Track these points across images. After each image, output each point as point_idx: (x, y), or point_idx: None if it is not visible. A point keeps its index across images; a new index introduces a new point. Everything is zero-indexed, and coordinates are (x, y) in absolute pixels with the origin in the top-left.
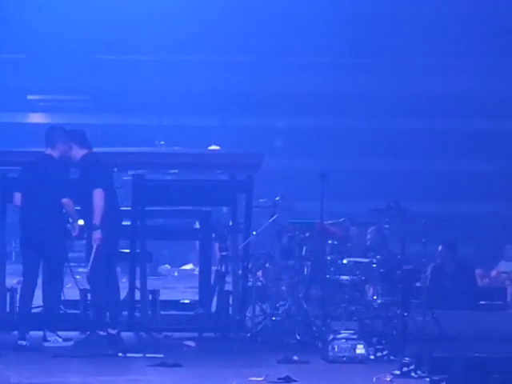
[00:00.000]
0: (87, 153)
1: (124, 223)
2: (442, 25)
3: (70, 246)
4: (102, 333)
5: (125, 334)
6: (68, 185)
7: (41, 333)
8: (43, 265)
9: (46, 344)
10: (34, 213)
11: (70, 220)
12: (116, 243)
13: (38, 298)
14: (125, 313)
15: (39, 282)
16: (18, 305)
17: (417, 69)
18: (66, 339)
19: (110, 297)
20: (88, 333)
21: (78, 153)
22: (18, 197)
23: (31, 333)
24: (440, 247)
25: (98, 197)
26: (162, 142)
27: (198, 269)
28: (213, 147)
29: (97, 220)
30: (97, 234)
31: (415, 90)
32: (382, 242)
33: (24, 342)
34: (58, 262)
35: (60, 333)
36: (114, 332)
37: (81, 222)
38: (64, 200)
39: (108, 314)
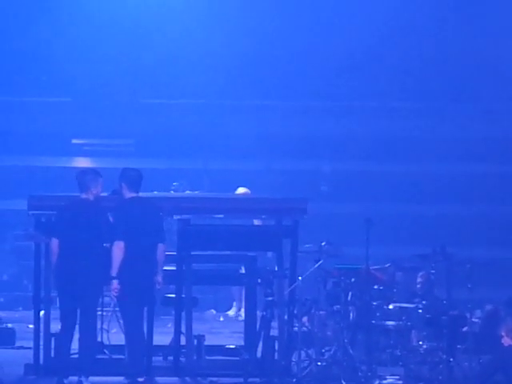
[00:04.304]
0: (134, 196)
1: (169, 268)
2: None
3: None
4: (140, 379)
5: (170, 379)
6: (107, 228)
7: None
8: (79, 311)
9: None
10: (71, 258)
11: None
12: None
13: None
14: (170, 358)
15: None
16: (55, 350)
17: (460, 113)
18: None
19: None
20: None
21: (126, 194)
22: (55, 243)
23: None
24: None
25: (117, 248)
26: (175, 183)
27: (242, 312)
28: (241, 190)
29: (113, 271)
30: (112, 285)
31: (460, 135)
32: (430, 287)
33: None
34: (92, 308)
35: (105, 378)
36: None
37: None
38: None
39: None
